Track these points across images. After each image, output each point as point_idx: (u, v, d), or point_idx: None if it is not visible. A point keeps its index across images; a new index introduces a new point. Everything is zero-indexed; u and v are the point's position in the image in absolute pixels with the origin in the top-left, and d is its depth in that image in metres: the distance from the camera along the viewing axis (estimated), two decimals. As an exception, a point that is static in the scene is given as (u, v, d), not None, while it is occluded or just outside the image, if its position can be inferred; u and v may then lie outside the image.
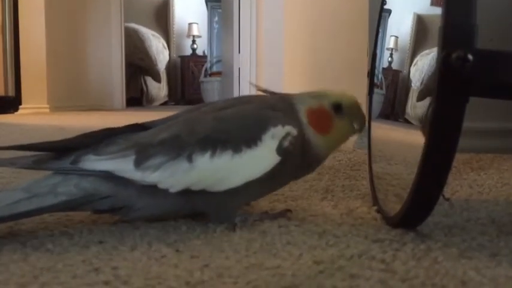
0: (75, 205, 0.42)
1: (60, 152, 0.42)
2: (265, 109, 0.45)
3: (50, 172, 0.43)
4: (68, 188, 0.41)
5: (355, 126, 0.47)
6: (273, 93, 0.49)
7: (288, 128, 0.44)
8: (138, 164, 0.41)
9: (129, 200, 0.43)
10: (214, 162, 0.42)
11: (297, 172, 0.48)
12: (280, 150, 0.43)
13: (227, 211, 0.45)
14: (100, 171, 0.41)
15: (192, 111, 0.47)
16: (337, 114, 0.46)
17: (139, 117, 0.48)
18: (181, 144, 0.42)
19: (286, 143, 0.43)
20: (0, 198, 0.41)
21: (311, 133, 0.46)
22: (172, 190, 0.42)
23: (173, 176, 0.41)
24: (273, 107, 0.45)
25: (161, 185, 0.42)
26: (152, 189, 0.42)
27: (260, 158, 0.43)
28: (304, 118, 0.46)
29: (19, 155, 0.43)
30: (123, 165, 0.41)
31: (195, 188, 0.42)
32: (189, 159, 0.42)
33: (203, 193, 0.43)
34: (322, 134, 0.46)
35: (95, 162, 0.41)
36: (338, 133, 0.47)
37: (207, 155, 0.42)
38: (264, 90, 0.50)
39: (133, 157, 0.41)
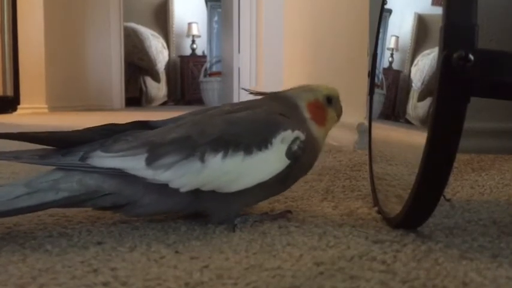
0: (77, 201, 0.42)
1: (65, 146, 0.42)
2: (274, 114, 0.46)
3: (51, 167, 0.43)
4: (70, 184, 0.41)
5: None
6: (265, 94, 0.50)
7: (297, 133, 0.45)
8: (149, 162, 0.41)
9: (133, 197, 0.43)
10: (226, 163, 0.42)
11: (304, 172, 0.49)
12: (289, 154, 0.44)
13: (229, 212, 0.45)
14: (110, 169, 0.41)
15: (197, 113, 0.48)
16: (329, 106, 0.49)
17: (138, 117, 0.48)
18: (192, 145, 0.42)
19: (295, 147, 0.44)
20: (1, 193, 0.40)
21: (314, 127, 0.48)
22: (183, 190, 0.42)
23: (185, 175, 0.41)
24: (281, 112, 0.46)
25: (172, 184, 0.42)
26: (158, 187, 0.42)
27: (270, 161, 0.43)
28: (306, 114, 0.48)
29: (21, 149, 0.43)
30: (134, 163, 0.41)
31: (205, 188, 0.42)
32: (202, 159, 0.42)
33: (210, 193, 0.43)
34: (321, 126, 0.48)
35: (104, 159, 0.41)
36: (329, 124, 0.50)
37: (219, 155, 0.42)
38: (256, 93, 0.51)
39: (145, 155, 0.41)
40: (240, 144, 0.43)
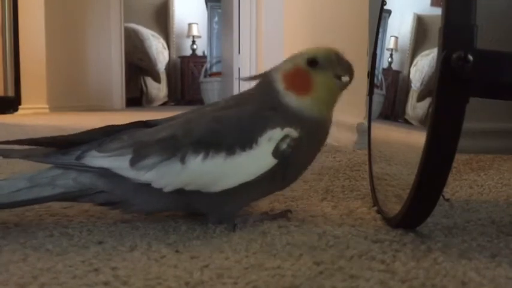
0: (73, 197, 0.44)
1: (67, 146, 0.44)
2: (264, 110, 0.44)
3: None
4: (66, 181, 0.43)
5: (343, 77, 0.45)
6: (254, 77, 0.48)
7: (287, 130, 0.43)
8: (133, 163, 0.42)
9: (125, 196, 0.44)
10: (207, 164, 0.42)
11: (310, 155, 0.47)
12: (276, 153, 0.43)
13: (225, 212, 0.45)
14: (99, 168, 0.43)
15: (195, 111, 0.48)
16: (314, 69, 0.44)
17: (139, 117, 0.48)
18: (176, 145, 0.42)
19: (284, 146, 0.43)
20: (3, 186, 0.43)
21: (292, 98, 0.44)
22: (166, 190, 0.43)
23: (165, 176, 0.42)
24: (272, 105, 0.44)
25: (155, 185, 0.42)
26: (147, 187, 0.43)
27: (255, 161, 0.42)
28: (280, 85, 0.45)
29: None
30: (119, 163, 0.42)
31: (188, 188, 0.43)
32: (182, 160, 0.42)
33: (198, 193, 0.43)
34: (304, 95, 0.44)
35: (95, 159, 0.43)
36: (322, 89, 0.44)
37: (200, 156, 0.42)
38: (248, 78, 0.48)
39: (129, 156, 0.42)
40: (223, 144, 0.42)
